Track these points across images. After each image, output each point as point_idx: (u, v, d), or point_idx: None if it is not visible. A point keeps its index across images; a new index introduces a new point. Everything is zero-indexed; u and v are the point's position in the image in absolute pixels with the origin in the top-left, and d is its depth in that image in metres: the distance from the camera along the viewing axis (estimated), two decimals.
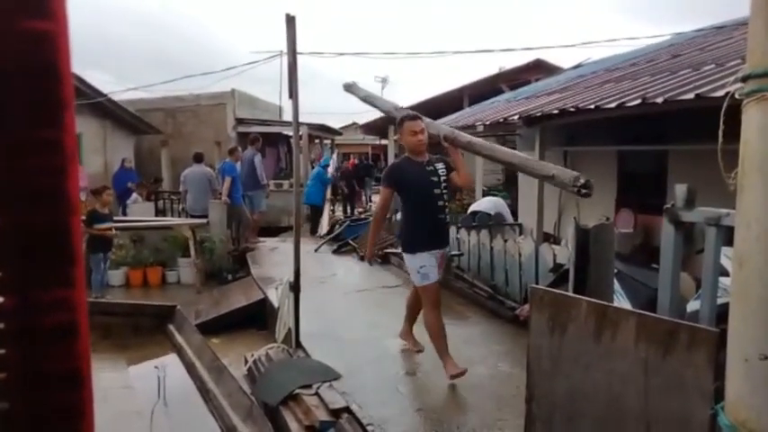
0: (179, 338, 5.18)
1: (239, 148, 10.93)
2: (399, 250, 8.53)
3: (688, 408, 1.45)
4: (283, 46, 4.93)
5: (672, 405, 1.48)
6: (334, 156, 16.52)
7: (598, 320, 1.63)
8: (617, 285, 3.64)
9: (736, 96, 1.26)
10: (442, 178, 4.10)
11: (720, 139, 1.27)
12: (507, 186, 13.77)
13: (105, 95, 13.22)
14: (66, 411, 0.75)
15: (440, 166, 4.15)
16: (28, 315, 0.70)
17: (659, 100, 4.34)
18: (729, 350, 1.17)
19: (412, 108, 16.77)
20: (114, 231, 7.49)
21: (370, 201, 20.24)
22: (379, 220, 4.72)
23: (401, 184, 4.10)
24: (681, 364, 1.45)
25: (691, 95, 4.10)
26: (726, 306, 1.77)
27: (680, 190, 1.75)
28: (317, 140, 18.71)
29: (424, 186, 4.04)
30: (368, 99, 5.68)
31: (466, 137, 4.26)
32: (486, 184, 12.46)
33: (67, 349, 0.73)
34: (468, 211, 9.86)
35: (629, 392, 1.56)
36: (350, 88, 5.69)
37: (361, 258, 9.00)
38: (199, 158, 10.06)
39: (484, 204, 9.85)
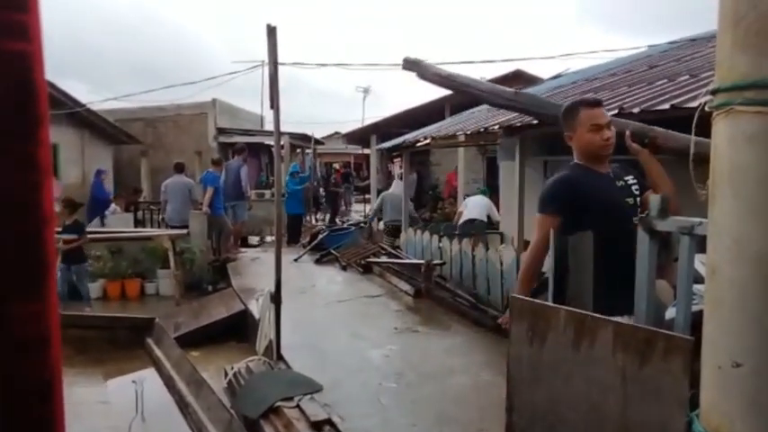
0: (157, 352, 5.11)
1: (222, 159, 10.89)
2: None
3: (665, 415, 1.46)
4: (264, 56, 4.92)
5: (650, 413, 1.49)
6: (316, 164, 16.51)
7: (577, 329, 1.64)
8: None
9: (706, 109, 1.29)
10: (637, 200, 2.60)
11: (692, 152, 1.30)
12: (489, 195, 13.87)
13: (84, 105, 13.07)
14: (37, 424, 0.76)
15: (630, 179, 2.69)
16: (1, 327, 0.72)
17: (636, 110, 4.41)
18: (704, 358, 1.19)
19: (394, 119, 16.74)
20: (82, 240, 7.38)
21: (349, 206, 20.29)
22: (533, 273, 2.80)
23: (582, 210, 2.44)
24: (658, 372, 1.47)
25: (666, 106, 4.17)
26: (701, 313, 1.79)
27: (654, 200, 1.78)
28: (298, 150, 18.66)
29: (618, 212, 2.49)
30: (448, 80, 3.75)
31: (674, 135, 2.93)
32: (466, 191, 12.52)
33: (38, 362, 0.76)
34: (462, 221, 9.78)
35: (608, 401, 1.57)
36: (415, 66, 3.86)
37: (344, 268, 8.98)
38: (180, 168, 9.99)
39: (476, 210, 9.83)
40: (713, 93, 1.19)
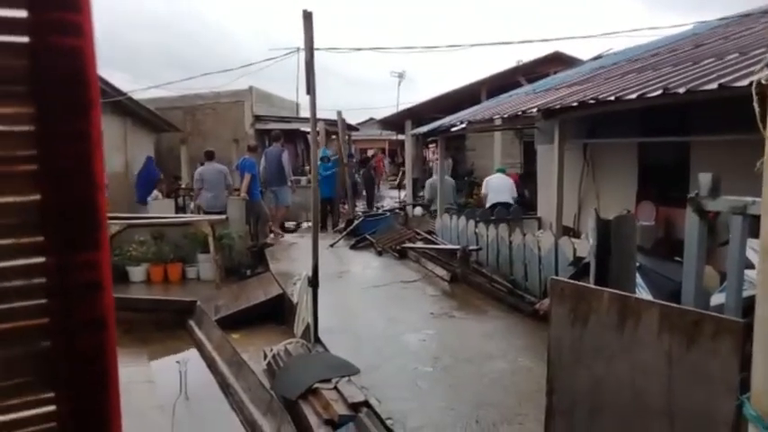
0: (199, 333, 5.24)
1: (257, 145, 11.03)
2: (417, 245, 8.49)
3: (713, 399, 1.42)
4: (297, 44, 4.93)
5: (696, 397, 1.45)
6: (351, 149, 16.50)
7: (620, 312, 1.61)
8: (639, 279, 3.59)
9: (763, 82, 1.23)
10: None
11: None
12: (525, 179, 13.67)
13: (125, 94, 13.37)
14: (94, 350, 0.94)
15: None
16: (65, 272, 0.90)
17: (681, 90, 4.25)
18: (756, 340, 1.15)
19: (429, 103, 16.61)
20: None
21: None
22: None
23: None
24: (705, 355, 1.42)
25: (714, 85, 4.01)
26: (751, 299, 1.73)
27: (704, 179, 1.71)
28: (333, 136, 18.73)
29: None
30: None
31: None
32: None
33: (95, 300, 0.93)
34: (488, 205, 9.79)
35: (652, 384, 1.54)
36: None
37: (379, 253, 9.01)
38: (211, 156, 10.21)
39: (502, 195, 9.78)
40: None
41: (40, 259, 0.90)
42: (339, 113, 13.16)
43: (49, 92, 0.88)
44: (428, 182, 11.39)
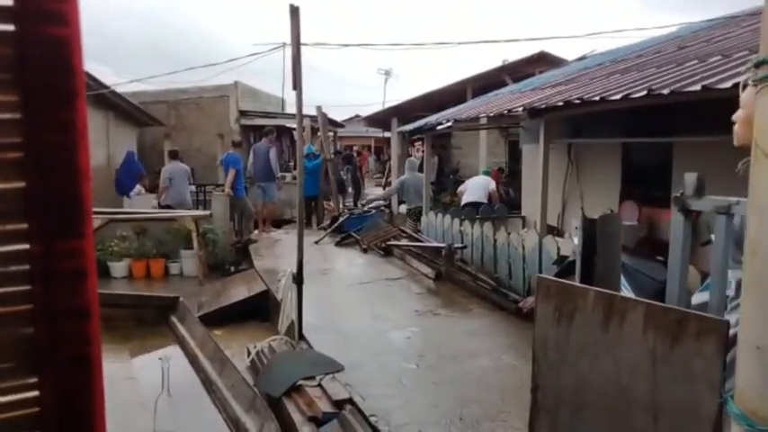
0: (182, 330, 5.19)
1: (243, 142, 10.97)
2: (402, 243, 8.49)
3: (696, 397, 1.43)
4: (283, 39, 4.90)
5: (680, 395, 1.47)
6: (336, 145, 16.43)
7: (606, 310, 1.62)
8: (622, 278, 3.63)
9: (749, 83, 1.24)
10: None
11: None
12: (510, 178, 13.74)
13: (108, 87, 13.19)
14: (78, 337, 0.95)
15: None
16: (49, 259, 0.92)
17: (665, 91, 4.30)
18: (740, 338, 1.16)
19: (415, 101, 16.61)
20: None
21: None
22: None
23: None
24: (689, 353, 1.44)
25: (697, 87, 4.06)
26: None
27: (689, 178, 1.73)
28: (319, 133, 18.66)
29: None
30: None
31: None
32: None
33: (80, 288, 0.94)
34: (462, 204, 9.81)
35: (636, 382, 1.55)
36: None
37: (364, 251, 9.00)
38: (175, 155, 10.81)
39: (475, 193, 9.80)
40: (757, 65, 1.15)
41: (25, 246, 0.91)
42: (319, 108, 13.06)
43: (34, 80, 0.89)
44: (402, 178, 11.18)
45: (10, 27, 0.88)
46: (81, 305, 0.94)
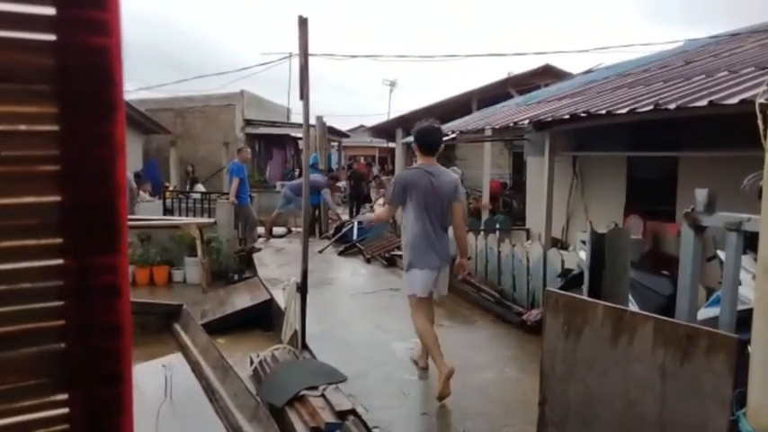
0: (185, 337, 5.17)
1: (248, 149, 10.99)
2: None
3: (706, 414, 1.42)
4: (290, 49, 4.93)
5: (689, 411, 1.46)
6: (340, 156, 16.45)
7: (614, 324, 1.61)
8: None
9: (763, 101, 1.24)
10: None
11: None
12: (515, 191, 13.73)
13: None
14: (110, 355, 0.94)
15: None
16: (83, 275, 0.89)
17: (672, 106, 4.30)
18: (753, 355, 1.15)
19: (420, 112, 16.69)
20: None
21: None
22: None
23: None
24: (699, 369, 1.43)
25: (704, 102, 4.06)
26: (742, 313, 1.74)
27: (700, 194, 1.72)
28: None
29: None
30: None
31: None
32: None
33: (113, 305, 0.92)
34: None
35: (645, 397, 1.54)
36: None
37: (368, 261, 8.99)
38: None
39: None
40: None
41: (59, 261, 0.89)
42: (319, 119, 13.12)
43: (74, 92, 0.87)
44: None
45: (51, 37, 0.86)
46: (113, 322, 0.92)
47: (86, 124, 0.87)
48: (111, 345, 0.93)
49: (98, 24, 0.87)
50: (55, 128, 0.87)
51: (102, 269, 0.89)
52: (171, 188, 13.72)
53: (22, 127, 0.86)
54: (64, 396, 0.93)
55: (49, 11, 0.86)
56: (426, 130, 4.20)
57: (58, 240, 0.88)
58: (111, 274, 0.90)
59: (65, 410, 0.94)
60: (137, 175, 12.62)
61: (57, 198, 0.87)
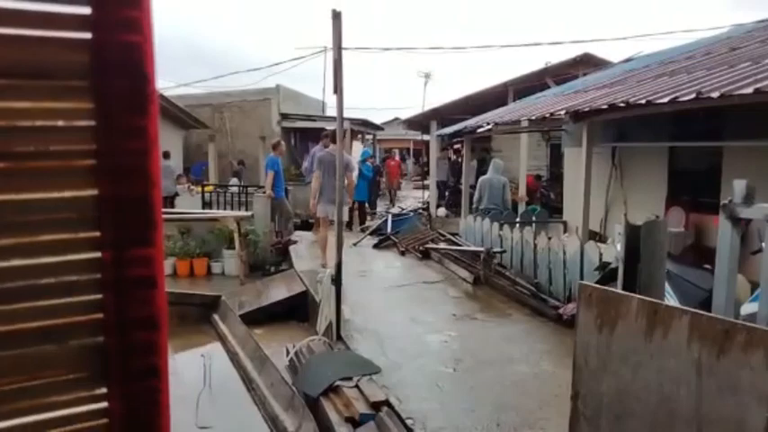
0: (223, 328, 5.30)
1: (282, 143, 11.12)
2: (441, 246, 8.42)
3: (743, 410, 1.39)
4: (321, 43, 4.96)
5: (725, 406, 1.43)
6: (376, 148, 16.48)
7: (649, 318, 1.59)
8: (667, 286, 3.53)
9: None
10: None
11: None
12: (552, 182, 13.52)
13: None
14: (147, 348, 0.94)
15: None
16: (121, 268, 0.90)
17: (715, 95, 4.16)
18: None
19: (455, 104, 16.52)
20: None
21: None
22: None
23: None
24: (736, 365, 1.40)
25: (749, 90, 3.91)
26: None
27: (738, 186, 1.68)
28: (359, 135, 18.79)
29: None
30: None
31: None
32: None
33: (149, 297, 0.93)
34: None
35: (680, 393, 1.51)
36: None
37: (402, 254, 9.01)
38: (167, 155, 12.24)
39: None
40: None
41: (97, 254, 0.90)
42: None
43: (109, 87, 0.88)
44: (480, 180, 10.54)
45: (87, 35, 0.90)
46: (151, 315, 0.92)
47: (121, 119, 0.89)
48: (147, 338, 0.93)
49: (131, 23, 0.90)
50: (91, 123, 0.89)
51: (138, 262, 0.90)
52: (209, 185, 14.04)
53: (60, 123, 0.88)
54: (102, 390, 0.94)
55: (85, 10, 0.90)
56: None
57: (96, 234, 0.89)
58: (147, 266, 0.91)
59: (104, 404, 0.94)
60: (186, 170, 13.35)
61: (94, 192, 0.89)
